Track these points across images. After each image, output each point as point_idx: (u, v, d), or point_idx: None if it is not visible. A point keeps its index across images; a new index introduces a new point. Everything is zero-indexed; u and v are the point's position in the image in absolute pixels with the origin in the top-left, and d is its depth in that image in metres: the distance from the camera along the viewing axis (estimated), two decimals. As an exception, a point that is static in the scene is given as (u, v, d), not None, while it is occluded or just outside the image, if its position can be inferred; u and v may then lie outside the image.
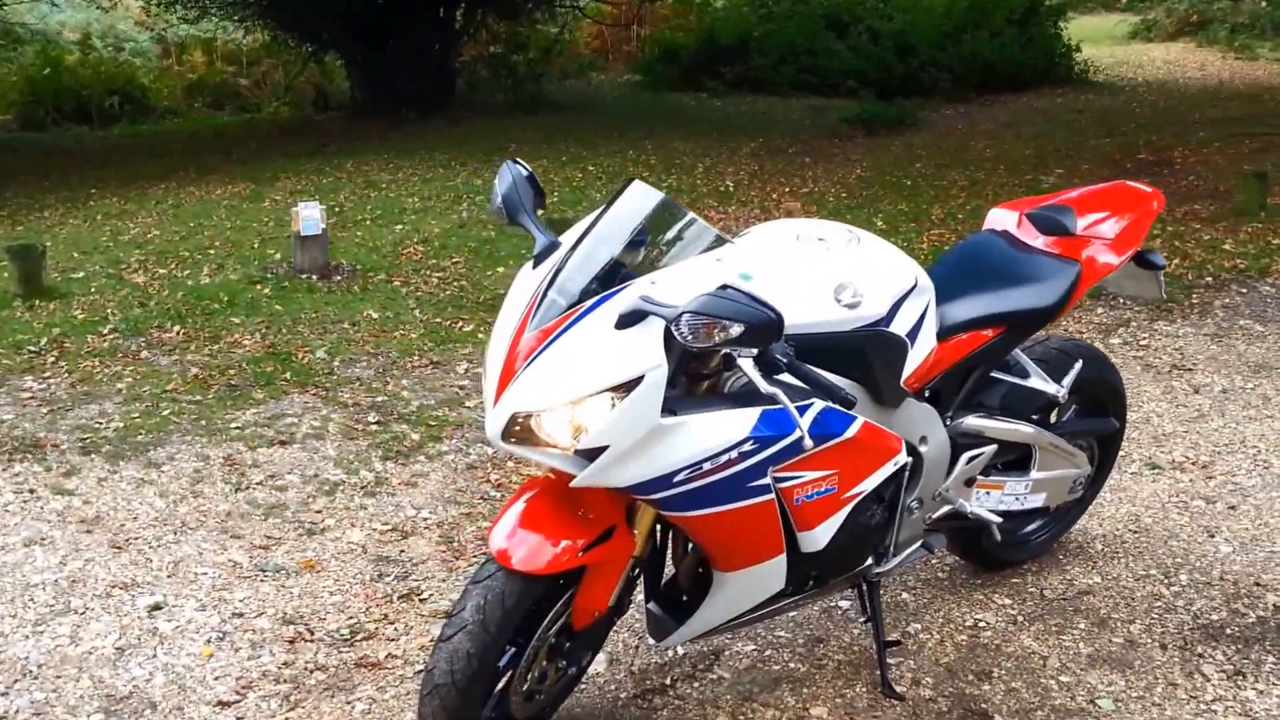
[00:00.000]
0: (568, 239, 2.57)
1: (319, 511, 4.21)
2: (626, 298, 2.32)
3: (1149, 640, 3.12)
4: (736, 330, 2.13)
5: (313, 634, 3.42)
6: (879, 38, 16.90)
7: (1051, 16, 17.96)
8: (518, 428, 2.33)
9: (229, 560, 3.80)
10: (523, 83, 15.63)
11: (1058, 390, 3.12)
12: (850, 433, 2.52)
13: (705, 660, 3.11)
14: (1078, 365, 3.19)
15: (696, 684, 3.01)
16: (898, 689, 2.93)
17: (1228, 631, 3.14)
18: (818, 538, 2.59)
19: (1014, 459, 3.20)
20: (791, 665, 3.08)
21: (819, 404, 2.45)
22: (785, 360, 2.34)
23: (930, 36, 16.59)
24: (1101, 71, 17.82)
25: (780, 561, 2.58)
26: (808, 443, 2.39)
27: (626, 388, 2.25)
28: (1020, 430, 3.12)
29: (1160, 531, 3.72)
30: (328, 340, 5.83)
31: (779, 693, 2.95)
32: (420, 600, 3.64)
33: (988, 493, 3.16)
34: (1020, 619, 3.25)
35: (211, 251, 7.82)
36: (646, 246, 2.53)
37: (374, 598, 3.66)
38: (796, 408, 2.34)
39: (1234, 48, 23.30)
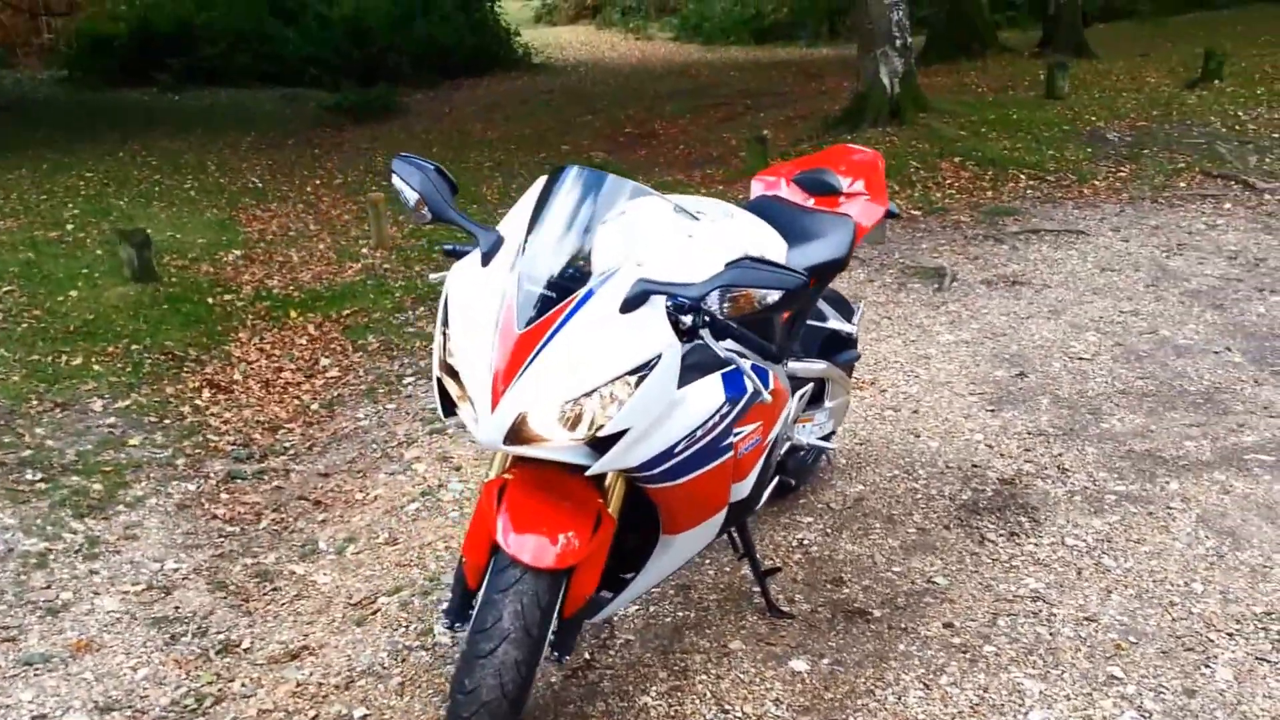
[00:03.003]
0: (509, 232, 2.54)
1: (46, 588, 3.61)
2: (623, 283, 2.37)
3: (933, 525, 3.72)
4: (774, 297, 2.29)
5: (146, 715, 3.00)
6: (328, 23, 16.78)
7: (490, 0, 18.92)
8: (521, 427, 2.30)
9: (-24, 663, 3.17)
10: (-73, 82, 13.47)
11: (853, 329, 3.59)
12: (773, 384, 2.78)
13: (601, 632, 3.20)
14: (860, 305, 3.68)
15: (613, 653, 3.10)
16: (784, 609, 3.25)
17: (981, 505, 3.83)
18: (746, 486, 2.82)
19: (813, 394, 3.64)
20: (681, 614, 3.27)
21: (747, 361, 2.67)
22: (736, 327, 2.55)
23: (383, 22, 16.79)
24: (540, 54, 19.09)
25: (722, 515, 2.77)
26: (766, 396, 2.62)
27: (645, 369, 2.32)
28: (823, 368, 3.55)
29: (879, 440, 4.37)
30: (-91, 397, 4.84)
31: (689, 639, 3.13)
32: (244, 651, 3.32)
33: (804, 425, 3.58)
34: (830, 530, 3.71)
35: None
36: (589, 229, 2.53)
37: (188, 661, 3.27)
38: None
39: (630, 29, 26.10)
